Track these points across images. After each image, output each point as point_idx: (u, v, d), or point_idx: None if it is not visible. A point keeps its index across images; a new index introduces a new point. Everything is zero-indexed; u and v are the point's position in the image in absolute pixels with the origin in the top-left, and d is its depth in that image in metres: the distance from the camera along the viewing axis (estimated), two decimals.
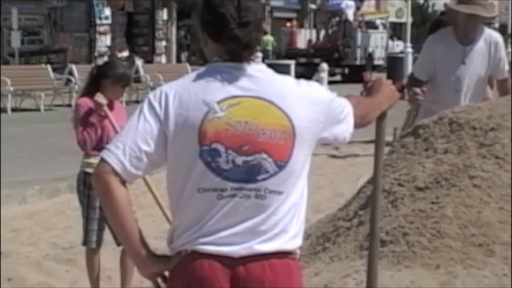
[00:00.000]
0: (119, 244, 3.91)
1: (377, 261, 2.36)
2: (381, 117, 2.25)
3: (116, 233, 1.97)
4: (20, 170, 7.89)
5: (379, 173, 2.30)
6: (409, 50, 20.06)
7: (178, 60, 23.36)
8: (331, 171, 8.38)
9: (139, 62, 18.33)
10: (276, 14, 27.91)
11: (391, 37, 30.60)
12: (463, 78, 4.47)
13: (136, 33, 22.89)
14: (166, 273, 1.96)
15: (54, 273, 4.97)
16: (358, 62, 25.24)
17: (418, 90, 4.53)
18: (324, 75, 16.42)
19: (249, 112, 1.89)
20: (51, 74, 15.65)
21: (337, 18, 25.95)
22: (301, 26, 28.20)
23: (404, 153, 3.54)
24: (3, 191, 6.84)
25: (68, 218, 6.25)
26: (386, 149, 3.38)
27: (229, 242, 1.87)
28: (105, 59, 17.05)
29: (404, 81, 5.75)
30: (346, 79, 23.16)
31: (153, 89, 12.51)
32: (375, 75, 18.04)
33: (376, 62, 26.30)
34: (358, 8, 26.53)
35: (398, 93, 2.26)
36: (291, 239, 1.91)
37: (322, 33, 26.78)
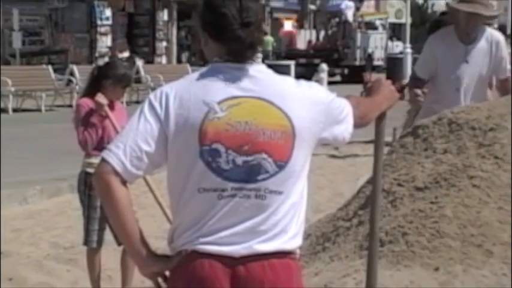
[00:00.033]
0: (119, 244, 3.92)
1: (376, 261, 2.36)
2: (381, 118, 2.25)
3: (117, 233, 1.98)
4: (21, 170, 7.91)
5: (379, 173, 2.30)
6: (409, 50, 20.06)
7: (179, 61, 23.36)
8: (331, 171, 8.39)
9: (139, 62, 18.34)
10: (276, 15, 27.92)
11: (391, 38, 30.62)
12: (464, 77, 4.48)
13: (137, 34, 22.90)
14: (167, 273, 1.97)
15: (55, 273, 4.99)
16: (357, 63, 25.25)
17: (419, 91, 4.54)
18: (324, 75, 16.42)
19: (249, 112, 1.89)
20: (52, 75, 15.67)
21: (337, 19, 25.98)
22: (301, 26, 28.22)
23: (403, 153, 3.54)
24: (4, 191, 6.85)
25: (69, 218, 6.26)
26: (386, 149, 3.39)
27: (230, 241, 1.88)
28: (106, 59, 17.02)
29: (405, 81, 5.76)
30: (346, 79, 23.17)
31: (153, 89, 12.53)
32: (374, 76, 18.04)
33: (376, 63, 26.31)
34: (357, 9, 26.57)
35: (398, 93, 2.27)
36: (290, 239, 1.92)
37: (322, 33, 26.82)
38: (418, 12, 35.58)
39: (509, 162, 3.23)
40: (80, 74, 15.37)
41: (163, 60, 22.80)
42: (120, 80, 4.37)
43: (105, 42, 20.82)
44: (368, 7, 30.18)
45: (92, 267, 4.42)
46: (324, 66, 16.87)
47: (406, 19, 21.88)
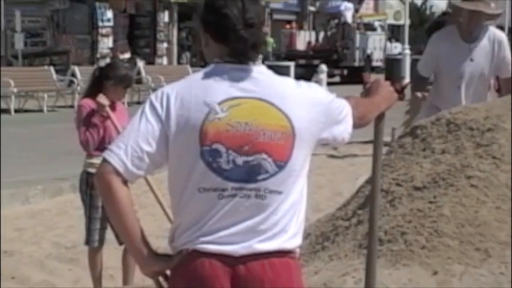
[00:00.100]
0: (121, 243, 3.94)
1: (375, 260, 2.36)
2: (379, 118, 2.26)
3: (118, 232, 1.98)
4: (23, 170, 7.92)
5: (378, 173, 2.31)
6: (407, 51, 20.05)
7: (180, 62, 23.37)
8: (330, 171, 8.40)
9: (140, 63, 18.36)
10: (276, 16, 27.90)
11: (389, 39, 30.64)
12: (467, 76, 4.50)
13: (138, 35, 22.89)
14: (168, 272, 1.97)
15: (57, 272, 5.01)
16: (356, 64, 25.24)
17: (419, 94, 4.57)
18: (323, 76, 16.41)
19: (249, 113, 1.90)
20: (54, 76, 15.69)
21: (336, 21, 25.96)
22: (300, 28, 28.20)
23: (402, 153, 3.56)
24: (7, 191, 6.88)
25: (71, 218, 6.28)
26: (385, 149, 3.41)
27: (230, 241, 1.88)
28: (107, 60, 17.08)
29: (406, 81, 5.79)
30: (345, 80, 23.15)
31: (154, 90, 12.56)
32: (373, 77, 18.02)
33: (375, 64, 26.31)
34: (356, 11, 26.57)
35: (397, 94, 2.29)
36: (290, 238, 1.93)
37: (321, 35, 26.79)
38: (416, 13, 35.62)
39: (507, 162, 3.25)
40: (82, 75, 15.39)
41: (164, 61, 22.80)
42: (121, 81, 4.39)
43: (106, 44, 20.83)
44: (367, 9, 30.17)
45: (94, 266, 4.44)
46: (323, 67, 16.85)
47: (405, 20, 21.87)
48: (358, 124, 2.09)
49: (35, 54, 19.68)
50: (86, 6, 20.70)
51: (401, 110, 5.74)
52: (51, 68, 16.02)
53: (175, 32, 23.47)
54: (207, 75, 1.95)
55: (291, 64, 18.88)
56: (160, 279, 2.00)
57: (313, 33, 27.67)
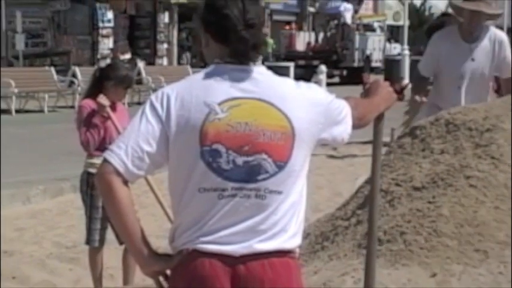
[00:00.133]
0: (121, 243, 3.95)
1: (375, 260, 2.37)
2: (379, 118, 2.27)
3: (119, 232, 1.99)
4: (24, 170, 7.93)
5: (377, 173, 2.31)
6: (406, 52, 20.09)
7: (180, 63, 23.38)
8: (330, 171, 8.41)
9: (141, 64, 18.37)
10: (276, 17, 27.91)
11: (389, 39, 30.65)
12: (467, 75, 4.51)
13: (138, 36, 22.90)
14: (168, 272, 1.98)
15: (58, 271, 5.02)
16: (356, 64, 25.24)
17: (418, 98, 4.58)
18: (323, 77, 16.41)
19: (249, 113, 1.91)
20: (55, 76, 15.71)
21: (336, 21, 25.95)
22: (300, 28, 28.20)
23: (401, 153, 3.57)
24: (7, 191, 6.89)
25: (71, 218, 6.29)
26: (384, 150, 3.42)
27: (230, 241, 1.89)
28: (108, 61, 17.08)
29: (406, 82, 5.81)
30: (345, 81, 23.14)
31: (154, 90, 12.56)
32: (372, 77, 18.03)
33: (374, 64, 26.32)
34: (356, 11, 26.56)
35: (396, 94, 2.30)
36: (290, 238, 1.93)
37: (321, 35, 26.79)
38: (415, 14, 35.64)
39: (505, 162, 3.26)
40: (82, 75, 15.41)
41: (165, 61, 22.81)
42: (121, 82, 4.40)
43: (106, 44, 20.84)
44: (366, 9, 30.16)
45: (94, 266, 4.46)
46: (323, 67, 16.87)
47: (404, 21, 21.89)
48: (357, 124, 2.10)
49: (36, 55, 19.70)
50: (87, 7, 20.72)
51: (400, 111, 5.74)
52: (52, 69, 16.04)
53: (175, 32, 23.48)
54: (207, 76, 1.96)
55: (291, 65, 18.88)
56: (161, 279, 2.01)
57: (312, 34, 27.66)
